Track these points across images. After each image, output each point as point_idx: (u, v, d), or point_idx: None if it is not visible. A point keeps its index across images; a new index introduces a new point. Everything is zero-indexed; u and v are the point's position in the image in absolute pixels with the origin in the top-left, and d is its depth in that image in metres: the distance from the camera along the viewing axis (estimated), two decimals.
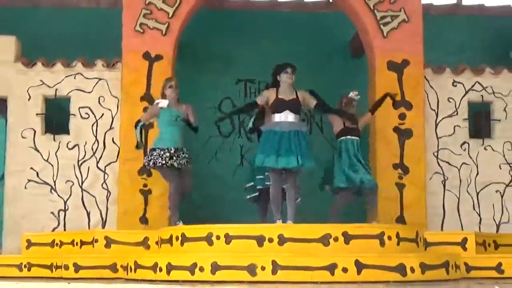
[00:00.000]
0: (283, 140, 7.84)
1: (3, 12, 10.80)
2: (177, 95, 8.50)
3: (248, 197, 8.90)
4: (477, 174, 9.68)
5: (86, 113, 9.58)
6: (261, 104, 8.15)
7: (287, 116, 7.95)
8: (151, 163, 8.33)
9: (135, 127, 8.53)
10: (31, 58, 9.69)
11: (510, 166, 9.74)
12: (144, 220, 9.14)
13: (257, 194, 8.79)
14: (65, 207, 9.41)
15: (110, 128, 9.53)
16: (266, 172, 8.34)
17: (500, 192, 9.70)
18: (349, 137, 8.77)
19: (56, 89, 9.60)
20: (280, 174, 7.96)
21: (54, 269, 8.38)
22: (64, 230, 9.30)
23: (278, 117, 7.96)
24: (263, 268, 6.89)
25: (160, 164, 8.27)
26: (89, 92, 9.60)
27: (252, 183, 8.79)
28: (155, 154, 8.31)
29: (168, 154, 8.27)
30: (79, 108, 9.58)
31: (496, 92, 9.85)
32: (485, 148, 9.76)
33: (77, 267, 8.04)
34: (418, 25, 9.59)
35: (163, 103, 8.37)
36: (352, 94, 8.90)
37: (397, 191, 9.32)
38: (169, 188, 8.46)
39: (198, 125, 8.58)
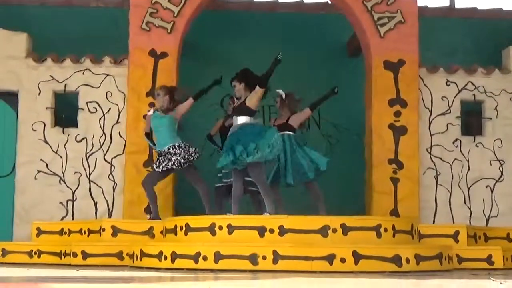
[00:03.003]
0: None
1: (15, 10, 10.69)
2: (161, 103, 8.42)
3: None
4: (468, 169, 9.59)
5: (94, 108, 9.48)
6: None
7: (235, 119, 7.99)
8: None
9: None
10: (42, 54, 9.58)
11: (500, 163, 9.66)
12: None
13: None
14: (73, 197, 9.32)
15: (117, 122, 9.44)
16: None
17: (490, 187, 9.61)
18: (285, 133, 8.47)
19: (65, 84, 9.50)
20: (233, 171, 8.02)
21: (63, 256, 8.30)
22: (72, 219, 9.21)
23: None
24: (264, 258, 6.82)
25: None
26: (97, 88, 9.50)
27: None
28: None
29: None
30: (87, 102, 9.48)
31: (487, 92, 9.75)
32: (476, 145, 9.66)
33: (85, 255, 7.97)
34: (413, 26, 9.49)
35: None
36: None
37: (392, 185, 9.24)
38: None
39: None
